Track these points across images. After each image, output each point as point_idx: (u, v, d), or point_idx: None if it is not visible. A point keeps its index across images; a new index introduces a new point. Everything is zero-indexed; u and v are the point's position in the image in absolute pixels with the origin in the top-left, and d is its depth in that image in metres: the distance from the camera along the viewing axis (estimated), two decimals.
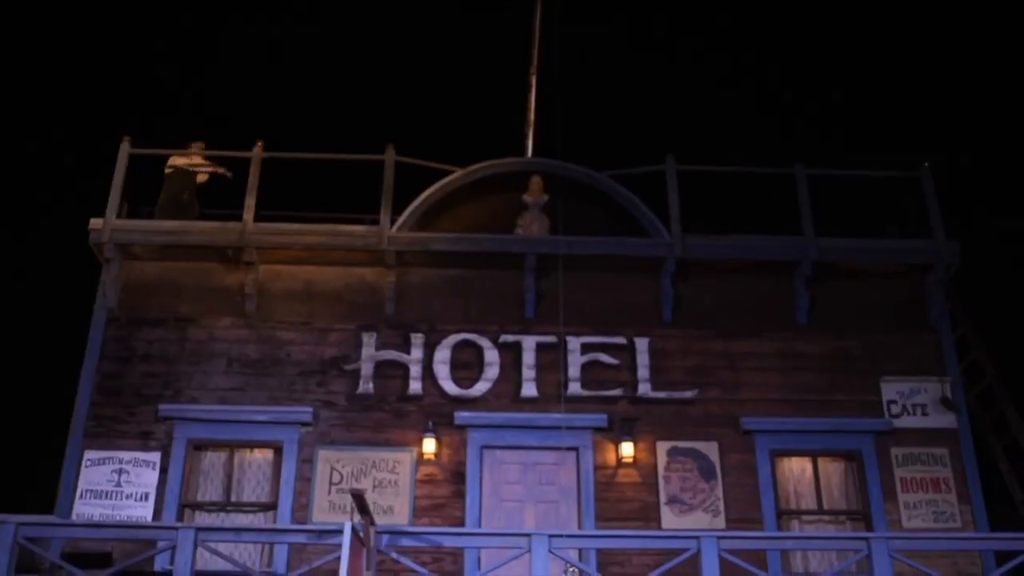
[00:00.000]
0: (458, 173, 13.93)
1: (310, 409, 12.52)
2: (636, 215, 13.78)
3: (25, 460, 17.70)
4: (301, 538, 10.81)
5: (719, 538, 10.61)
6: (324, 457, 12.28)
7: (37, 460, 15.33)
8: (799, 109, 25.03)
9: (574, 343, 13.09)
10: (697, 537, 10.59)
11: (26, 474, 16.45)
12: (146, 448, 12.31)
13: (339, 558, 10.53)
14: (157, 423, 12.45)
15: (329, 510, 12.00)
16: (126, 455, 12.23)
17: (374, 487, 12.01)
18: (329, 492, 12.13)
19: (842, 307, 13.66)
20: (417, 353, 12.95)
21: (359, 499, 9.51)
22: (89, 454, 12.22)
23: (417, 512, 12.11)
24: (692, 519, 12.30)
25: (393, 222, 13.41)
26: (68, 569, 10.63)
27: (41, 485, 13.24)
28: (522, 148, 15.66)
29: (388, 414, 12.64)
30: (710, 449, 12.69)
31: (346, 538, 9.10)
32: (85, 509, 11.90)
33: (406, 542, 10.63)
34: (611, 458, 12.58)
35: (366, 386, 12.73)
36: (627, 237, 13.59)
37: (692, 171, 14.26)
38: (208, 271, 13.36)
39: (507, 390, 12.86)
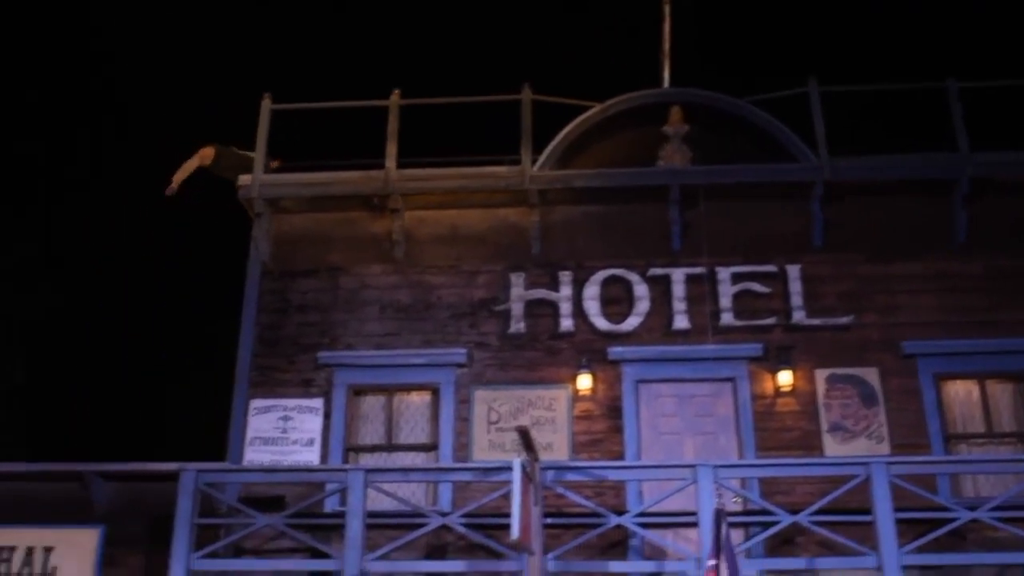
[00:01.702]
0: (596, 108, 13.79)
1: (464, 350, 12.67)
2: (780, 140, 13.44)
3: (196, 411, 18.40)
4: (467, 476, 10.99)
5: (888, 464, 10.45)
6: (481, 397, 12.43)
7: (207, 411, 15.90)
8: (939, 22, 24.02)
9: (724, 273, 12.91)
10: (866, 463, 10.45)
11: (198, 424, 17.10)
12: (308, 395, 12.64)
13: (504, 495, 10.73)
14: (317, 370, 12.77)
15: (489, 449, 12.16)
16: (290, 402, 12.58)
17: (532, 425, 12.08)
18: (488, 431, 12.28)
19: (1001, 224, 13.11)
20: (566, 291, 12.95)
21: (525, 435, 9.59)
22: (255, 403, 12.61)
23: (576, 448, 12.17)
24: (855, 446, 12.08)
25: (533, 162, 13.37)
26: (246, 512, 11.05)
27: (212, 435, 13.72)
28: (656, 80, 15.40)
29: (541, 352, 12.69)
30: (870, 375, 12.42)
31: (516, 474, 9.19)
32: (255, 455, 12.29)
33: (570, 476, 10.74)
34: (768, 387, 12.42)
35: (517, 326, 12.80)
36: (772, 163, 13.29)
37: (835, 92, 13.82)
38: (355, 220, 13.56)
39: (658, 323, 12.78)
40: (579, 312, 12.84)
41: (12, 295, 22.09)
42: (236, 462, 12.27)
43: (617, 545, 11.57)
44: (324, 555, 10.81)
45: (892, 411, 12.27)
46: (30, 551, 12.33)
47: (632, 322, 12.76)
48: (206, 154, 13.93)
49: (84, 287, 22.18)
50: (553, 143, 13.50)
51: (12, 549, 12.37)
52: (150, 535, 12.07)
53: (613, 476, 11.16)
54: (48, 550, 12.31)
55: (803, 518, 10.46)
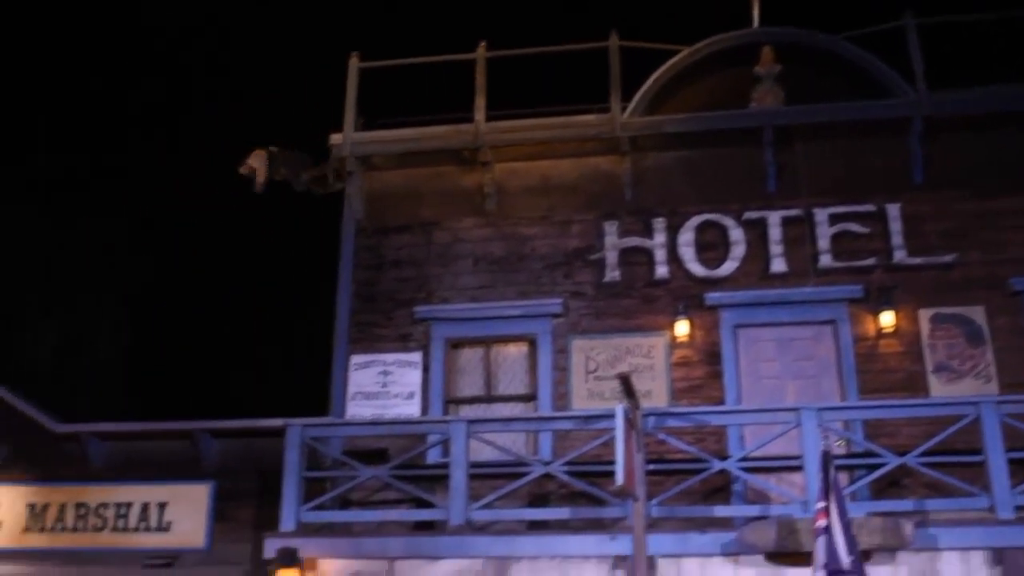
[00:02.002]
0: (684, 52, 13.58)
1: (559, 300, 12.67)
2: (876, 75, 13.11)
3: (298, 368, 18.73)
4: (568, 425, 11.04)
5: (999, 403, 10.23)
6: (578, 347, 12.44)
7: (309, 368, 16.17)
8: None
9: (821, 215, 12.67)
10: (975, 403, 10.24)
11: (301, 381, 17.40)
12: (406, 349, 12.78)
13: (605, 443, 10.77)
14: (414, 325, 12.89)
15: (588, 398, 12.18)
16: (389, 357, 12.74)
17: (630, 372, 12.01)
18: (586, 380, 12.29)
19: None
20: (660, 238, 12.84)
21: (626, 382, 9.58)
22: (355, 358, 12.80)
23: (675, 394, 12.12)
24: (961, 387, 11.82)
25: (623, 109, 13.25)
26: (351, 464, 11.26)
27: (314, 391, 13.95)
28: (745, 21, 15.09)
29: (637, 300, 12.64)
30: (976, 313, 12.11)
31: (619, 420, 9.20)
32: (357, 410, 12.48)
33: (671, 423, 10.72)
34: (870, 329, 12.20)
35: (612, 274, 12.75)
36: (868, 100, 12.97)
37: (932, 24, 13.42)
38: (446, 175, 13.61)
39: (755, 267, 12.61)
40: (674, 258, 12.73)
41: (116, 260, 22.71)
42: (339, 417, 12.48)
43: (719, 491, 11.54)
44: (429, 505, 10.99)
45: (1000, 350, 11.97)
46: (146, 507, 12.74)
47: (728, 267, 12.62)
48: (258, 158, 14.01)
49: (185, 250, 22.70)
50: (642, 89, 13.36)
51: (129, 505, 12.80)
52: (258, 489, 12.40)
53: (715, 421, 11.11)
54: (162, 505, 12.71)
55: (911, 459, 10.30)
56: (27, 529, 13.02)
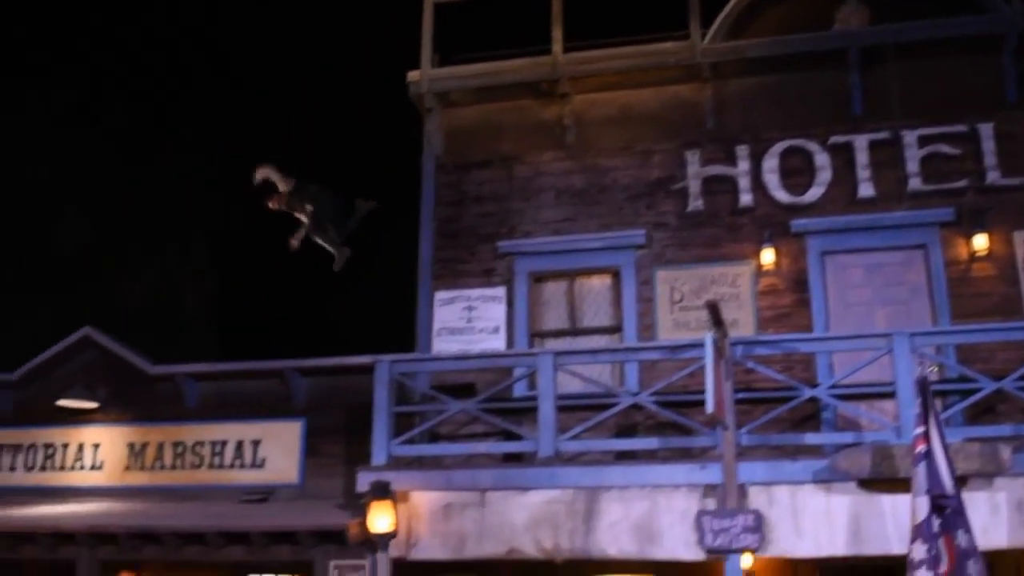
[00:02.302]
0: None
1: (642, 232, 12.57)
2: None
3: (382, 306, 18.96)
4: (655, 355, 11.00)
5: None
6: (662, 277, 12.35)
7: (393, 305, 16.35)
8: None
9: (910, 137, 12.34)
10: None
11: (385, 319, 17.61)
12: (490, 284, 12.82)
13: (691, 374, 10.73)
14: (497, 260, 12.91)
15: (673, 328, 12.11)
16: (473, 292, 12.79)
17: (717, 300, 11.94)
18: (672, 311, 12.22)
19: None
20: (744, 165, 12.63)
21: (714, 310, 9.49)
22: (439, 295, 12.87)
23: (761, 323, 11.99)
24: None
25: (703, 35, 13.00)
26: (439, 398, 11.37)
27: (399, 328, 14.10)
28: None
29: (721, 229, 12.48)
30: None
31: (708, 348, 9.15)
32: (442, 346, 12.58)
33: (760, 351, 10.63)
34: (962, 252, 11.90)
35: (695, 204, 12.60)
36: (957, 16, 12.54)
37: None
38: (525, 108, 13.51)
39: (842, 193, 12.36)
40: (758, 186, 12.53)
41: (200, 202, 23.07)
42: (425, 353, 12.59)
43: (808, 419, 11.44)
44: (517, 437, 11.07)
45: None
46: (240, 444, 13.04)
47: (814, 193, 12.38)
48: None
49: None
50: (723, 14, 13.08)
51: (224, 443, 13.10)
52: (348, 425, 12.60)
53: (804, 348, 10.98)
54: (256, 442, 12.99)
55: (1008, 384, 10.09)
56: (128, 468, 13.43)
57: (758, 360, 10.67)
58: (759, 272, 12.18)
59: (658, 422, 11.50)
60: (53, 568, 13.21)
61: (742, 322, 11.91)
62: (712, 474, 9.94)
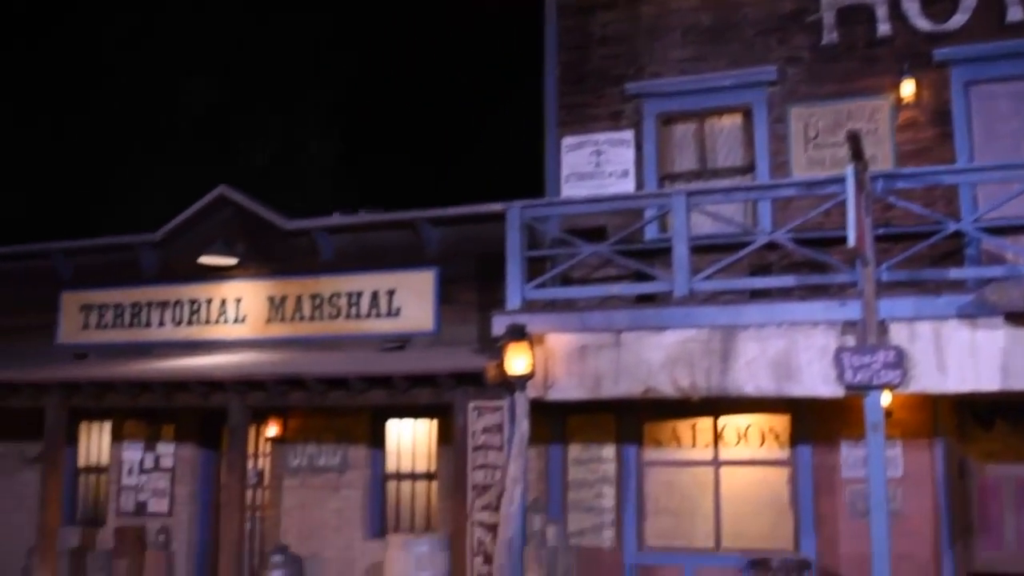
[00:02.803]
0: None
1: (774, 68, 12.15)
2: None
3: (509, 155, 18.95)
4: (790, 192, 10.77)
5: None
6: (796, 114, 11.99)
7: (520, 154, 16.32)
8: None
9: None
10: None
11: (513, 168, 17.62)
12: (618, 128, 12.64)
13: (827, 212, 10.53)
14: (625, 102, 12.69)
15: (807, 166, 11.82)
16: (600, 136, 12.64)
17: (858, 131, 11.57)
18: (806, 149, 11.91)
19: None
20: None
21: (855, 141, 9.21)
22: (566, 140, 12.76)
23: (900, 159, 11.59)
24: None
25: None
26: (571, 242, 11.40)
27: (527, 177, 14.08)
28: None
29: (857, 62, 11.98)
30: None
31: (849, 181, 8.91)
32: (571, 191, 12.53)
33: (900, 185, 10.32)
34: None
35: (830, 36, 12.09)
36: None
37: None
38: None
39: (988, 18, 11.65)
40: (897, 14, 11.93)
41: (324, 58, 23.17)
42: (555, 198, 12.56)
43: (948, 256, 11.12)
44: (650, 279, 11.06)
45: None
46: (375, 294, 13.34)
47: (958, 20, 11.74)
48: None
49: (390, 47, 22.86)
50: None
51: (359, 294, 13.42)
52: (479, 273, 12.78)
53: (948, 180, 10.59)
54: (391, 292, 13.28)
55: None
56: (269, 320, 13.90)
57: (899, 194, 10.37)
58: (898, 106, 11.72)
59: (792, 261, 11.34)
60: (206, 414, 13.91)
61: (880, 158, 11.51)
62: (851, 310, 9.80)
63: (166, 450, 14.36)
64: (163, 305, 14.64)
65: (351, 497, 13.20)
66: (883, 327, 9.70)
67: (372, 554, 12.73)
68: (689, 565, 11.67)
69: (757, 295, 10.93)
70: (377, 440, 13.36)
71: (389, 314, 13.27)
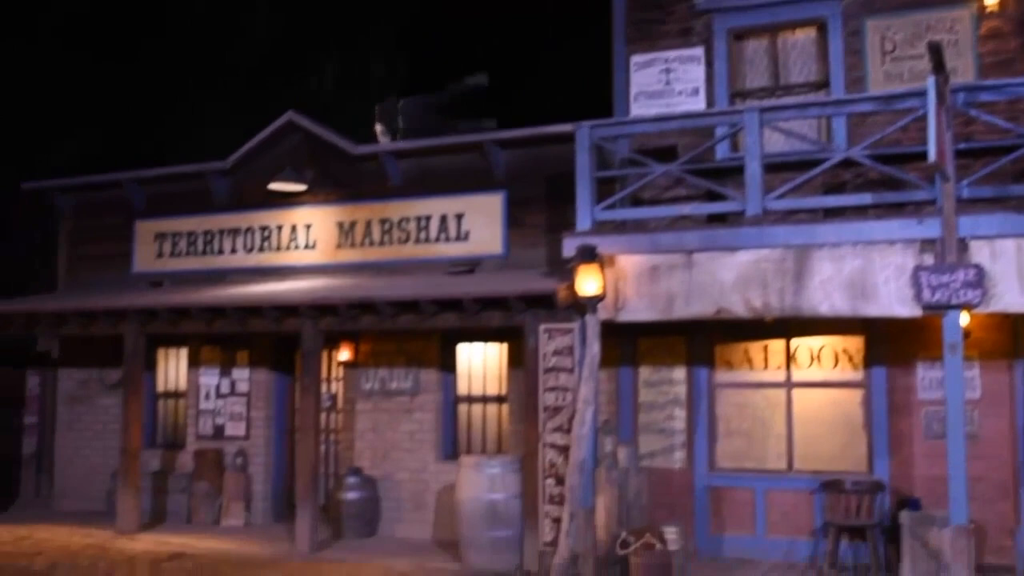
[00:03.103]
0: None
1: None
2: None
3: (577, 74, 18.70)
4: (867, 107, 10.48)
5: None
6: (872, 27, 11.63)
7: (587, 73, 16.09)
8: None
9: None
10: None
11: (580, 88, 17.41)
12: (688, 45, 12.37)
13: (904, 128, 10.24)
14: (695, 18, 12.39)
15: (884, 81, 11.47)
16: (670, 54, 12.39)
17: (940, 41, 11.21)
18: (883, 63, 11.55)
19: None
20: None
21: (937, 52, 8.90)
22: (635, 58, 12.53)
23: (982, 71, 11.18)
24: None
25: None
26: (641, 162, 11.26)
27: (595, 96, 13.89)
28: None
29: None
30: None
31: (930, 94, 8.65)
32: (640, 111, 12.33)
33: (983, 97, 9.99)
34: None
35: None
36: None
37: None
38: None
39: None
40: None
41: None
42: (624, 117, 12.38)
43: None
44: (722, 198, 10.90)
45: None
46: (444, 218, 13.33)
47: None
48: None
49: None
50: None
51: (428, 218, 13.43)
52: (547, 196, 12.70)
53: None
54: (459, 216, 13.26)
55: None
56: (339, 246, 13.98)
57: (981, 108, 10.04)
58: (981, 15, 11.29)
59: (868, 179, 11.10)
60: (279, 340, 14.11)
61: (961, 71, 11.14)
62: (930, 228, 9.56)
63: (241, 375, 14.61)
64: (235, 232, 14.80)
65: (423, 420, 13.34)
66: (963, 245, 9.46)
67: (444, 476, 12.89)
68: (760, 487, 11.65)
69: (832, 214, 10.71)
70: (448, 363, 13.46)
71: (458, 238, 13.26)
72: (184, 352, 15.26)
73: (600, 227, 11.04)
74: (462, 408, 13.47)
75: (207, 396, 14.80)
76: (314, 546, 12.01)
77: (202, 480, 14.22)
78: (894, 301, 9.72)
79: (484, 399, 13.36)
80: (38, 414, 16.22)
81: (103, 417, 15.47)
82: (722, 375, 12.07)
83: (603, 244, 10.70)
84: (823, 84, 11.86)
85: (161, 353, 15.55)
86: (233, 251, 14.79)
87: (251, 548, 12.13)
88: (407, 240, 13.57)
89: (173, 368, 15.52)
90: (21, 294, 16.31)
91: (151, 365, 15.27)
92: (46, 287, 16.79)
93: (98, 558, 11.50)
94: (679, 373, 12.14)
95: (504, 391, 13.17)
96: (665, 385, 12.18)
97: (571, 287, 10.70)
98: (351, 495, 12.96)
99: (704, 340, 12.03)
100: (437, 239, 13.39)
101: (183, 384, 15.27)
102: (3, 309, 14.31)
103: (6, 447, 15.79)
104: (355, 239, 13.86)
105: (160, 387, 15.58)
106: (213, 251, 14.92)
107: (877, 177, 10.79)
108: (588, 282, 10.52)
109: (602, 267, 10.60)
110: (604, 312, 10.73)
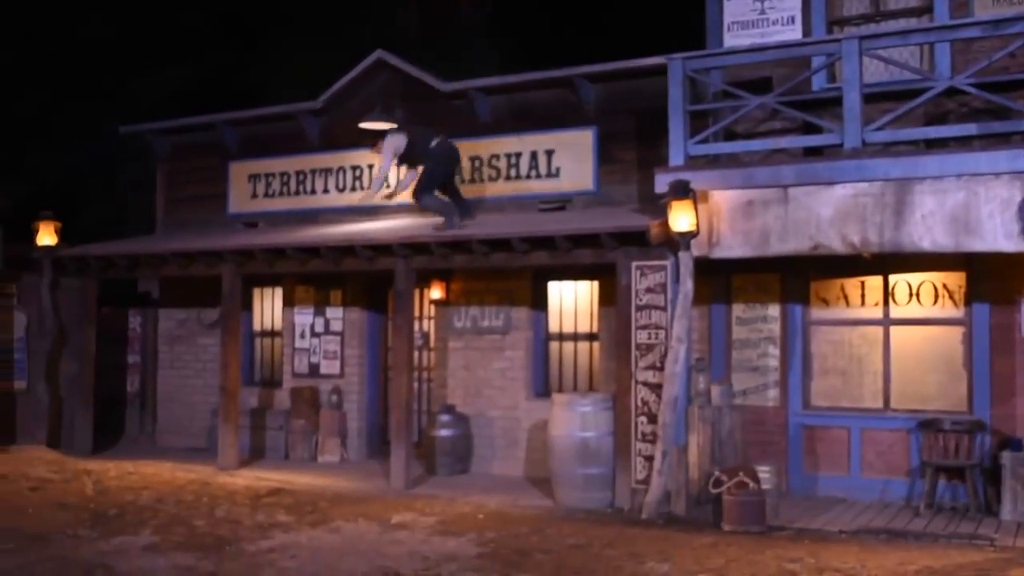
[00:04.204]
0: None
1: None
2: None
3: (668, 5, 18.37)
4: (973, 32, 10.06)
5: None
6: None
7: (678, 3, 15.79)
8: None
9: None
10: None
11: (671, 18, 17.11)
12: None
13: (1012, 53, 9.82)
14: None
15: (992, 4, 10.99)
16: None
17: None
18: None
19: None
20: None
21: None
22: None
23: None
24: None
25: None
26: (736, 94, 11.01)
27: (686, 27, 13.60)
28: None
29: None
30: None
31: None
32: (734, 41, 11.99)
33: None
34: None
35: None
36: None
37: None
38: None
39: None
40: None
41: None
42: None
43: None
44: (819, 131, 10.62)
45: None
46: (534, 155, 13.26)
47: None
48: None
49: None
50: None
51: (518, 155, 13.36)
52: (639, 131, 12.54)
53: None
54: (549, 153, 13.17)
55: None
56: None
57: None
58: None
59: (972, 109, 10.69)
60: (372, 279, 14.23)
61: None
62: None
63: (335, 314, 14.80)
64: (327, 172, 14.91)
65: (514, 358, 13.38)
66: None
67: (536, 413, 12.93)
68: (856, 425, 11.46)
69: (934, 145, 10.33)
70: (539, 302, 13.44)
71: (548, 175, 13.17)
72: (279, 292, 15.50)
73: (693, 162, 10.86)
74: (553, 346, 13.47)
75: (302, 335, 15.04)
76: (408, 482, 12.19)
77: (298, 417, 14.50)
78: (999, 236, 9.42)
79: (575, 337, 13.33)
80: (140, 353, 16.66)
81: (202, 356, 15.83)
82: (817, 312, 11.84)
83: (696, 179, 10.52)
84: (925, 9, 11.39)
85: (257, 293, 15.81)
86: (325, 191, 14.91)
87: (347, 484, 12.36)
88: (497, 177, 13.52)
89: (269, 308, 15.78)
90: (121, 237, 16.71)
91: (247, 305, 15.54)
92: (145, 230, 17.15)
93: (201, 493, 11.83)
94: (773, 310, 11.94)
95: (595, 329, 13.12)
96: (759, 323, 12.00)
97: (664, 224, 10.57)
98: (444, 432, 13.10)
99: (799, 277, 11.80)
100: (527, 176, 13.31)
101: (279, 324, 15.52)
102: (106, 251, 14.67)
103: (114, 385, 16.27)
104: None
105: (256, 327, 15.87)
106: (306, 191, 15.06)
107: (982, 106, 10.39)
108: (681, 218, 10.37)
109: (695, 203, 10.43)
110: (697, 249, 10.58)
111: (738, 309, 12.11)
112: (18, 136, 22.15)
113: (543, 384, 13.39)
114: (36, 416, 14.73)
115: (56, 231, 14.72)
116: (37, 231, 14.75)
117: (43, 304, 14.90)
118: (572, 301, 13.39)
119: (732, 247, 10.51)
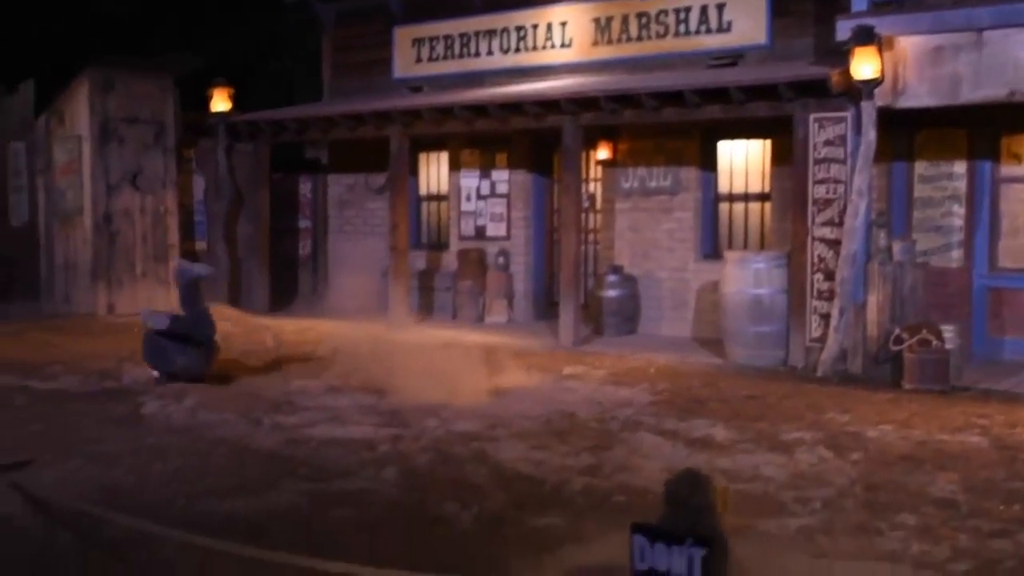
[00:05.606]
0: None
1: None
2: None
3: None
4: None
5: None
6: None
7: None
8: None
9: None
10: None
11: None
12: None
13: None
14: None
15: None
16: None
17: None
18: None
19: None
20: None
21: None
22: None
23: None
24: None
25: None
26: None
27: None
28: None
29: None
30: None
31: None
32: None
33: None
34: None
35: None
36: None
37: None
38: None
39: None
40: None
41: None
42: None
43: None
44: None
45: None
46: (704, 8, 12.81)
47: None
48: None
49: None
50: None
51: (687, 9, 12.95)
52: None
53: None
54: (720, 6, 12.72)
55: None
56: (596, 43, 13.71)
57: None
58: None
59: None
60: (537, 141, 14.15)
61: None
62: None
63: (501, 177, 14.82)
64: (490, 34, 14.76)
65: (683, 219, 13.17)
66: None
67: (704, 274, 12.76)
68: None
69: None
70: (708, 162, 13.13)
71: (719, 29, 12.72)
72: (444, 156, 15.59)
73: (877, 8, 10.30)
74: (723, 207, 13.19)
75: (468, 198, 15.14)
76: (577, 340, 12.25)
77: (465, 279, 14.68)
78: None
79: (746, 197, 13.01)
80: (311, 218, 17.09)
81: (371, 220, 16.14)
82: (1008, 169, 11.22)
83: (881, 24, 10.00)
84: None
85: (423, 158, 15.94)
86: (489, 53, 14.79)
87: (516, 341, 12.50)
88: (665, 34, 13.13)
89: (434, 172, 15.91)
90: (290, 104, 17.02)
91: (413, 170, 15.69)
92: (312, 98, 17.41)
93: (375, 345, 12.11)
94: (959, 167, 11.36)
95: (767, 188, 12.76)
96: (943, 180, 11.45)
97: (845, 72, 10.11)
98: (611, 292, 13.07)
99: (989, 132, 11.16)
100: (697, 31, 12.89)
101: (444, 187, 15.65)
102: (276, 116, 14.98)
103: (288, 247, 16.78)
104: (611, 35, 13.54)
105: (423, 191, 16.05)
106: (469, 54, 14.97)
107: None
108: (865, 65, 9.90)
109: (880, 49, 9.93)
110: (881, 98, 10.11)
111: (920, 167, 11.57)
112: (191, 10, 22.59)
113: (712, 245, 13.17)
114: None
115: (229, 97, 15.08)
116: (211, 97, 15.15)
117: (219, 168, 15.39)
118: (743, 160, 13.03)
119: (919, 95, 10.01)
